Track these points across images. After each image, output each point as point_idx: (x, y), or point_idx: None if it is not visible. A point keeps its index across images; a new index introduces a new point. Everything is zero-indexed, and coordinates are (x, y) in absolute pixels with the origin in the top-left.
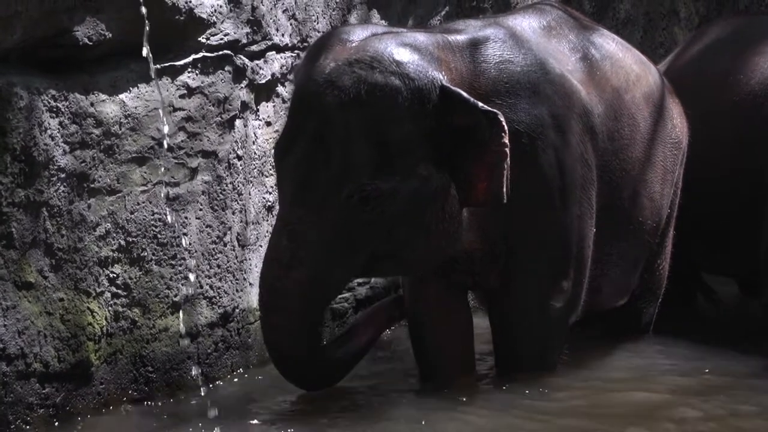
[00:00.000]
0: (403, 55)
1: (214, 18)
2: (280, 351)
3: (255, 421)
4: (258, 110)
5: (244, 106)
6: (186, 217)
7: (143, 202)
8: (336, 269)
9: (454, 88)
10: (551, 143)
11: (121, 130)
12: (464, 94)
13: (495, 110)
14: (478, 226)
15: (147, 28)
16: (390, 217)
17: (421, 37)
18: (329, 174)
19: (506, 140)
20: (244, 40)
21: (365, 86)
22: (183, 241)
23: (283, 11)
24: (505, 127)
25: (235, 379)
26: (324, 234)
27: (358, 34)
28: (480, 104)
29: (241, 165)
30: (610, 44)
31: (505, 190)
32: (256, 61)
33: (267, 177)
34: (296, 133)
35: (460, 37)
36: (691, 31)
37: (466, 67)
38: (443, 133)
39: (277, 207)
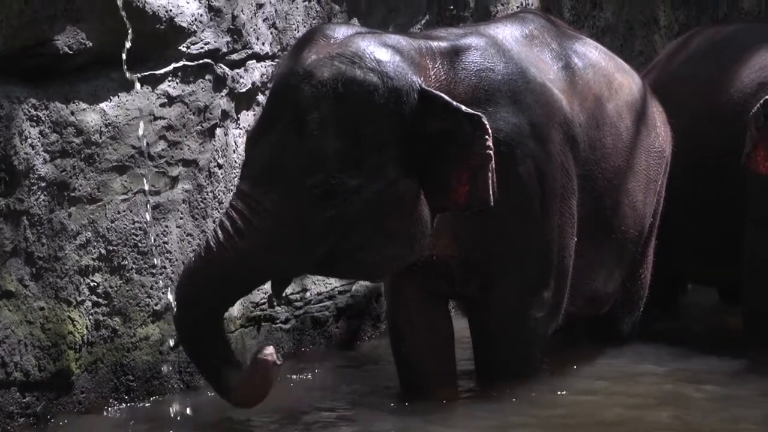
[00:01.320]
0: (384, 55)
1: (194, 27)
2: (188, 300)
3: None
4: (239, 119)
5: (225, 114)
6: (166, 226)
7: (124, 211)
8: (284, 255)
9: (434, 91)
10: (530, 152)
11: (101, 138)
12: (445, 97)
13: (478, 113)
14: (450, 233)
15: (129, 37)
16: (351, 215)
17: (403, 41)
18: (297, 161)
19: (490, 143)
20: (225, 49)
21: (343, 79)
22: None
23: (264, 20)
24: (489, 130)
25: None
26: (282, 217)
27: (342, 32)
28: (462, 107)
29: (221, 173)
30: (592, 53)
31: (491, 192)
32: (237, 70)
33: None
34: (271, 121)
35: (442, 44)
36: (671, 40)
37: (446, 73)
38: (417, 136)
39: None
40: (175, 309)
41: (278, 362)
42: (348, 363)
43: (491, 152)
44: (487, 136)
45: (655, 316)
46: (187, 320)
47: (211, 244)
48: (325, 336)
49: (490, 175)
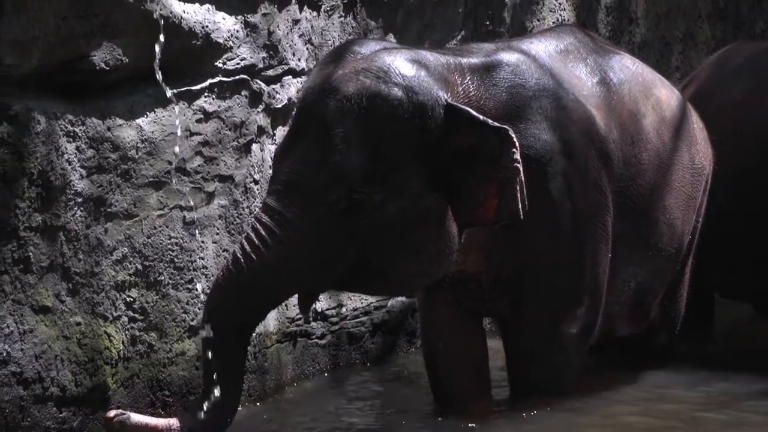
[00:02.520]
0: (410, 70)
1: (230, 43)
2: (216, 312)
3: None
4: (275, 134)
5: (261, 130)
6: (203, 241)
7: (160, 227)
8: (308, 268)
9: (460, 105)
10: (561, 169)
11: (137, 154)
12: (471, 111)
13: (505, 126)
14: (480, 249)
15: (158, 52)
16: (375, 231)
17: (430, 56)
18: (321, 176)
19: (518, 156)
20: (261, 65)
21: (367, 94)
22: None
23: (300, 36)
24: (517, 143)
25: (253, 404)
26: (305, 230)
27: (369, 47)
28: (489, 121)
29: (257, 189)
30: (628, 68)
31: (521, 206)
32: (273, 86)
33: None
34: (297, 136)
35: (472, 60)
36: (707, 56)
37: (475, 89)
38: (443, 151)
39: None
40: (202, 322)
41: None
42: (383, 379)
43: (519, 165)
44: (514, 149)
45: (691, 333)
46: (215, 333)
47: (238, 255)
48: (360, 351)
49: (518, 188)
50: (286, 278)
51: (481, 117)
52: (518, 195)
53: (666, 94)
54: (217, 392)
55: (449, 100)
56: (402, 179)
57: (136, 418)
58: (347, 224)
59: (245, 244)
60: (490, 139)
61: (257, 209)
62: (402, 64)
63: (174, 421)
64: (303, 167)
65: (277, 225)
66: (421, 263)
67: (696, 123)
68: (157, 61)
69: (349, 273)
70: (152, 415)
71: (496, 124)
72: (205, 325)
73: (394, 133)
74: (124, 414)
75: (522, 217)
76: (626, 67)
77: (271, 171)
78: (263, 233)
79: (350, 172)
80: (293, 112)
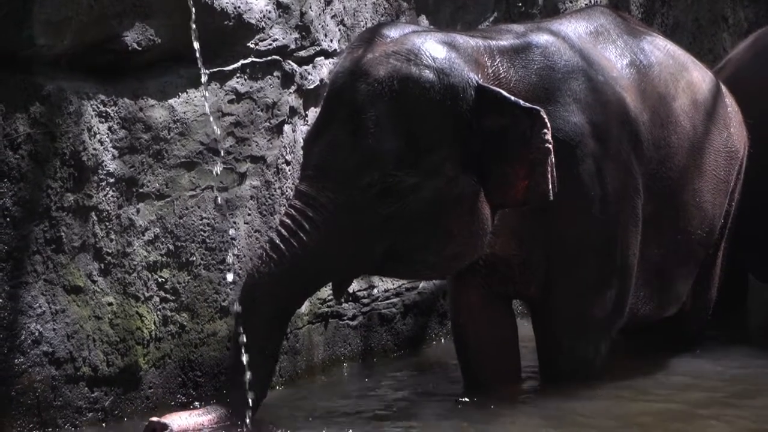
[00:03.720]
0: (440, 52)
1: (263, 23)
2: (254, 299)
3: (298, 426)
4: (306, 115)
5: (293, 111)
6: (235, 222)
7: (192, 207)
8: (345, 252)
9: (491, 86)
10: (591, 152)
11: (169, 135)
12: (503, 92)
13: (537, 107)
14: (510, 232)
15: (194, 29)
16: (410, 214)
17: (459, 39)
18: (354, 160)
19: (549, 137)
20: (293, 46)
21: (399, 77)
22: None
23: (332, 17)
24: (548, 124)
25: (282, 386)
26: (340, 215)
27: (398, 30)
28: (521, 102)
29: (289, 170)
30: (659, 50)
31: (551, 187)
32: (305, 67)
33: None
34: (328, 121)
35: (501, 42)
36: (740, 38)
37: (505, 71)
38: (475, 132)
39: None
40: (237, 308)
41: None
42: (413, 361)
43: (550, 146)
44: (545, 130)
45: (723, 316)
46: (251, 319)
47: (276, 242)
48: (392, 333)
49: (549, 169)
50: (326, 263)
51: (512, 98)
52: (549, 176)
53: (698, 77)
54: (249, 375)
55: (480, 82)
56: (435, 162)
57: (178, 423)
58: (381, 208)
59: (282, 230)
60: (522, 119)
61: (290, 193)
62: (432, 47)
63: (218, 411)
64: (335, 152)
65: (312, 210)
66: (456, 246)
67: (730, 106)
68: (195, 37)
69: (384, 257)
70: (184, 396)
71: (527, 104)
72: (244, 311)
73: (426, 116)
74: (164, 425)
75: (552, 198)
76: (657, 48)
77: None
78: (299, 218)
79: (383, 156)
80: (323, 97)
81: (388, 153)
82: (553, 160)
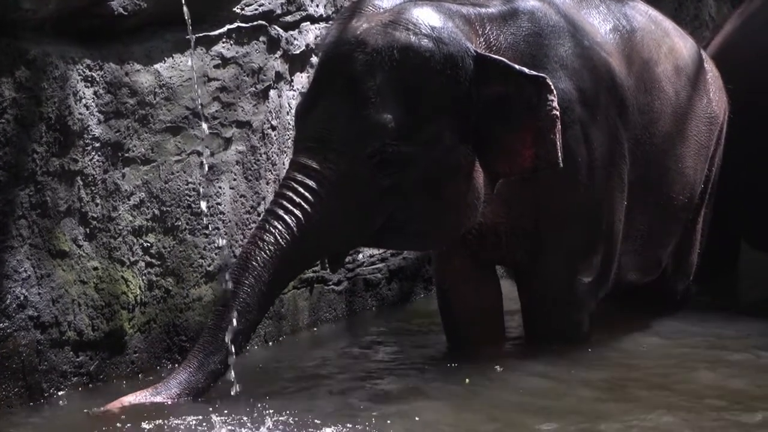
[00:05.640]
0: (438, 21)
1: None
2: (254, 270)
3: (276, 390)
4: (292, 81)
5: (279, 76)
6: (220, 187)
7: (177, 172)
8: (346, 223)
9: (492, 55)
10: (578, 117)
11: (155, 99)
12: (506, 60)
13: (542, 74)
14: (499, 200)
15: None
16: (408, 184)
17: (453, 7)
18: (352, 130)
19: (556, 104)
20: (279, 11)
21: (398, 46)
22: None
23: None
24: (554, 91)
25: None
26: (340, 185)
27: (389, 1)
28: (526, 69)
29: (275, 135)
30: (642, 16)
31: (559, 153)
32: (291, 32)
33: None
34: (322, 92)
35: (490, 10)
36: (727, 5)
37: (495, 39)
38: (473, 102)
39: None
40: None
41: None
42: (397, 324)
43: (557, 113)
44: (552, 97)
45: (711, 281)
46: (245, 288)
47: (280, 212)
48: (377, 298)
49: (557, 136)
50: (328, 235)
51: (516, 66)
52: (557, 143)
53: (680, 43)
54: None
55: (478, 50)
56: (434, 132)
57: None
58: (382, 178)
59: (284, 202)
60: (527, 87)
61: (276, 159)
62: (430, 16)
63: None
64: (334, 122)
65: (315, 181)
66: (452, 216)
67: (710, 71)
68: (184, 1)
69: (383, 229)
70: (169, 361)
71: (533, 72)
72: (240, 280)
73: (425, 85)
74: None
75: (561, 165)
76: (639, 14)
77: (288, 117)
78: (302, 190)
79: (384, 126)
80: (314, 69)
81: (389, 123)
82: (560, 126)
